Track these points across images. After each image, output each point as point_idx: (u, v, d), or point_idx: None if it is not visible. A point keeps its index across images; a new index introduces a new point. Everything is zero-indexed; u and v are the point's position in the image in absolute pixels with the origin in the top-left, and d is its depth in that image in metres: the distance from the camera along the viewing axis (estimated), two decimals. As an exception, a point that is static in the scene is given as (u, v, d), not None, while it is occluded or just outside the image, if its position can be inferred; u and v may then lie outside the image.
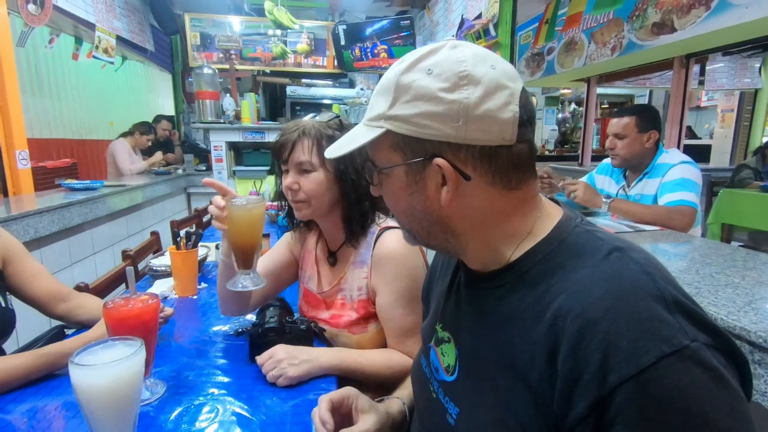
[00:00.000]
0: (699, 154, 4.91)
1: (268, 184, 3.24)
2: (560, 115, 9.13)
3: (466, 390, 0.56)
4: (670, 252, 1.32)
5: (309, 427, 0.75)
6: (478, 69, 0.48)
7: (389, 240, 1.00)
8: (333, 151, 0.58)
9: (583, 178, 2.08)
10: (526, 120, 0.50)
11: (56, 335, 1.12)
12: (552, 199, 0.59)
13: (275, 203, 1.21)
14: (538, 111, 8.71)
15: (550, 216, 0.54)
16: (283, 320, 0.98)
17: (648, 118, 1.76)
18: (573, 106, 9.13)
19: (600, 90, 5.21)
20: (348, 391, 0.74)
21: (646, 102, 6.91)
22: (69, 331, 1.16)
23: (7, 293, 1.09)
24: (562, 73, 4.09)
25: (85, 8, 3.32)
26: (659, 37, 2.94)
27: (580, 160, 4.96)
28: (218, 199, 0.92)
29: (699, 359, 0.39)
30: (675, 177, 1.69)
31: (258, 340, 0.95)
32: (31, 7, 2.62)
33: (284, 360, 0.89)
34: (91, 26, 3.42)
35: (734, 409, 0.38)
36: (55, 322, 1.18)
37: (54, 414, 0.79)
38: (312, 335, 1.00)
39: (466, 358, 0.57)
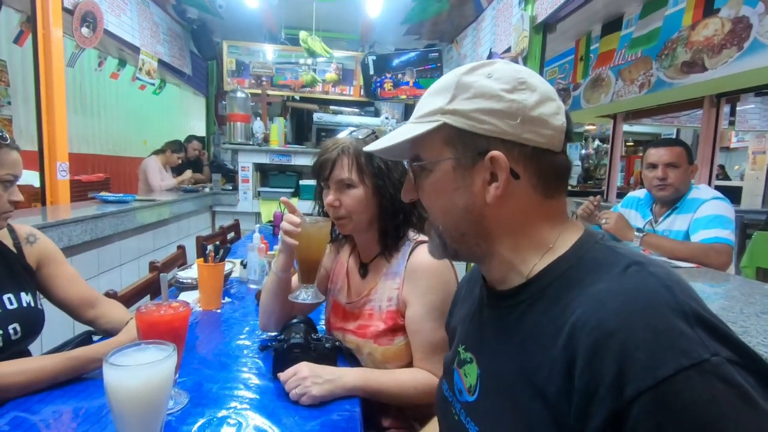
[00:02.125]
0: (730, 195, 4.75)
1: (315, 201, 3.29)
2: (584, 151, 9.09)
3: (486, 409, 0.55)
4: (709, 291, 1.27)
5: (332, 449, 0.73)
6: (533, 80, 0.53)
7: (424, 252, 0.99)
8: (375, 146, 0.60)
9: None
10: (569, 133, 0.53)
11: (84, 340, 1.14)
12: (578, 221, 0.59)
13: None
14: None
15: (572, 232, 0.55)
16: (309, 337, 0.97)
17: (690, 152, 1.75)
18: (597, 142, 9.09)
19: (625, 128, 5.19)
20: None
21: (674, 141, 6.81)
22: (96, 338, 1.17)
23: (39, 294, 1.11)
24: (588, 108, 4.10)
25: (132, 33, 3.53)
26: (689, 75, 2.93)
27: (605, 196, 4.89)
28: (293, 217, 0.99)
29: (722, 375, 0.37)
30: (708, 213, 1.64)
31: (282, 355, 0.94)
32: (84, 30, 2.80)
33: (308, 378, 0.87)
34: (136, 50, 3.62)
35: None
36: (78, 328, 1.19)
37: (79, 417, 0.78)
38: (337, 354, 0.98)
39: (488, 378, 0.56)
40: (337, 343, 0.99)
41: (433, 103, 0.54)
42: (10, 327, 0.98)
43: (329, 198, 1.02)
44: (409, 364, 1.00)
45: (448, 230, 0.57)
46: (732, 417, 0.35)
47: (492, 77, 0.52)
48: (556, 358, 0.45)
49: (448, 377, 0.66)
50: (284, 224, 0.99)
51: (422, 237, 1.04)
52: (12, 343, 0.98)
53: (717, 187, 3.79)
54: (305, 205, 1.23)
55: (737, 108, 4.87)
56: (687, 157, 1.72)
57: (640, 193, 1.99)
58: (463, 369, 0.61)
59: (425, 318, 0.96)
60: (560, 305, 0.48)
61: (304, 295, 1.00)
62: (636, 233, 1.66)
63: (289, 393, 0.86)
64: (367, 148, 0.62)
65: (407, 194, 0.61)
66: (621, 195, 4.50)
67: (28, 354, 1.08)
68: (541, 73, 2.79)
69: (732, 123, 5.17)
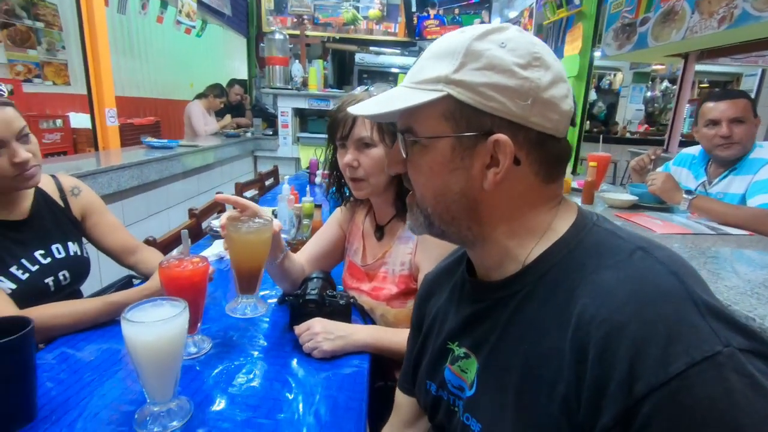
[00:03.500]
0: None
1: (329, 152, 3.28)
2: (649, 94, 8.28)
3: (486, 405, 0.53)
4: (757, 261, 1.16)
5: (337, 402, 0.78)
6: (548, 56, 0.48)
7: None
8: (363, 109, 0.53)
9: (660, 168, 1.88)
10: (573, 117, 0.50)
11: (125, 284, 1.24)
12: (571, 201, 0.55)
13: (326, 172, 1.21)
14: (624, 88, 7.96)
15: (566, 214, 0.52)
16: (324, 293, 1.00)
17: (754, 103, 1.55)
18: (665, 84, 8.22)
19: (700, 67, 4.62)
20: None
21: (757, 84, 6.03)
22: (136, 281, 1.27)
23: (84, 243, 1.21)
24: (656, 47, 3.66)
25: (170, -28, 3.48)
26: (782, 7, 2.51)
27: (665, 146, 4.48)
28: (223, 218, 0.89)
29: (733, 366, 0.36)
30: None
31: (298, 310, 0.98)
32: (122, -29, 2.79)
33: (320, 334, 0.91)
34: (175, -10, 3.59)
35: None
36: (126, 271, 1.30)
37: (116, 355, 0.87)
38: (350, 311, 1.01)
39: (488, 372, 0.53)
40: (351, 300, 1.02)
41: (436, 68, 0.48)
42: (60, 274, 1.08)
43: (347, 158, 0.99)
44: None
45: (437, 212, 0.53)
46: (746, 409, 0.34)
47: (506, 47, 0.47)
48: (563, 350, 0.43)
49: (436, 378, 0.62)
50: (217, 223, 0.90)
51: None
52: (63, 287, 1.09)
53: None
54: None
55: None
56: (752, 110, 1.53)
57: (694, 149, 1.80)
58: (457, 365, 0.58)
59: None
60: (562, 293, 0.46)
61: (244, 310, 0.92)
62: (685, 195, 1.53)
63: (303, 346, 0.91)
64: (353, 109, 0.55)
65: (393, 167, 0.56)
66: (686, 144, 4.10)
67: (80, 294, 1.20)
68: (599, 8, 2.49)
69: (831, 62, 4.46)
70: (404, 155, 0.53)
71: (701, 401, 0.35)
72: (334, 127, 1.02)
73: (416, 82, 0.50)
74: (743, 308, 0.83)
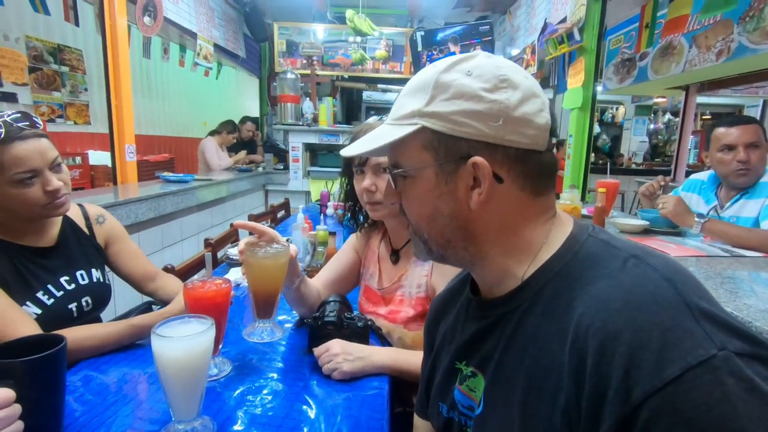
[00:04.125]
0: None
1: (340, 185, 3.35)
2: (652, 126, 8.40)
3: (495, 421, 0.53)
4: (775, 282, 1.16)
5: (359, 422, 0.77)
6: (516, 75, 0.50)
7: None
8: (354, 149, 0.57)
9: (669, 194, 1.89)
10: (553, 130, 0.51)
11: (145, 310, 1.26)
12: (584, 217, 0.56)
13: (342, 203, 1.25)
14: (626, 121, 8.09)
15: (562, 227, 0.53)
16: (342, 315, 1.01)
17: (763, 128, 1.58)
18: (668, 116, 8.35)
19: (701, 99, 4.71)
20: None
21: (759, 115, 6.12)
22: (155, 307, 1.29)
23: (107, 270, 1.24)
24: (656, 80, 3.77)
25: (189, 19, 3.69)
26: (778, 40, 2.60)
27: (672, 176, 4.52)
28: (241, 243, 0.91)
29: (730, 370, 0.35)
30: None
31: (316, 331, 0.99)
32: (146, 19, 2.97)
33: (340, 355, 0.91)
34: (194, 35, 3.79)
35: None
36: (145, 298, 1.32)
37: (139, 378, 0.88)
38: (368, 333, 1.02)
39: (493, 388, 0.54)
40: (369, 322, 1.03)
41: (411, 104, 0.52)
42: (83, 300, 1.11)
43: (366, 182, 1.02)
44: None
45: (433, 237, 0.55)
46: (744, 413, 0.34)
47: (472, 75, 0.49)
48: (563, 362, 0.43)
49: (447, 399, 0.62)
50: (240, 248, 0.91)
51: None
52: (85, 313, 1.11)
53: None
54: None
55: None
56: (765, 134, 1.56)
57: (703, 175, 1.82)
58: (465, 385, 0.59)
59: None
60: (560, 306, 0.46)
61: (260, 335, 0.94)
62: (697, 219, 1.54)
63: (322, 367, 0.91)
64: (344, 152, 0.60)
65: (389, 198, 0.59)
66: (692, 174, 4.13)
67: (99, 321, 1.21)
68: (599, 43, 2.60)
69: (831, 92, 4.54)
70: (394, 188, 0.57)
71: (698, 406, 0.35)
72: (351, 156, 1.05)
73: (395, 118, 0.54)
74: (764, 324, 0.83)
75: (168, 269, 1.39)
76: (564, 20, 2.84)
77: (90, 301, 1.13)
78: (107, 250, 1.24)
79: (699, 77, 3.93)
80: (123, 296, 1.46)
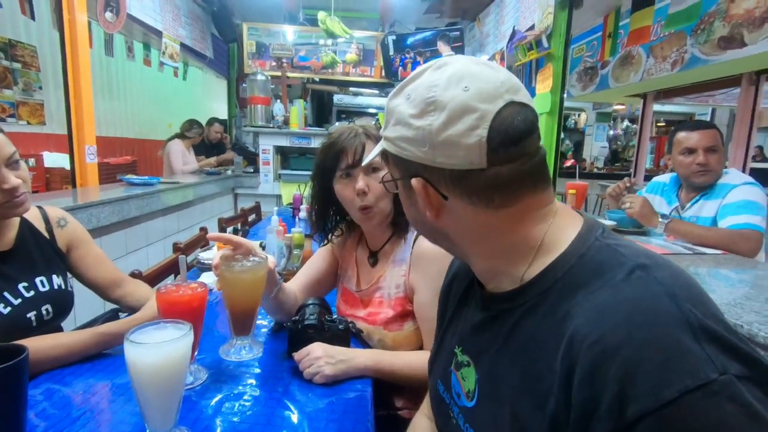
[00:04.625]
0: None
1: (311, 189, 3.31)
2: (612, 132, 8.79)
3: (485, 416, 0.53)
4: (734, 278, 1.23)
5: (343, 426, 0.75)
6: (447, 93, 0.48)
7: None
8: (368, 158, 0.67)
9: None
10: (500, 144, 0.47)
11: (111, 317, 1.19)
12: (578, 212, 0.56)
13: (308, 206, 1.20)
14: (588, 127, 8.43)
15: (566, 227, 0.51)
16: (323, 318, 0.99)
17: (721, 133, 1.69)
18: (626, 123, 8.77)
19: (656, 107, 4.97)
20: None
21: (709, 120, 6.52)
22: (122, 315, 1.22)
23: (69, 276, 1.17)
24: (617, 87, 3.95)
25: (154, 17, 3.57)
26: (726, 52, 2.78)
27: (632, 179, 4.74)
28: (216, 257, 0.88)
29: (730, 394, 0.35)
30: (738, 199, 1.57)
31: (297, 335, 0.96)
32: (108, 14, 2.85)
33: (322, 358, 0.89)
34: (159, 33, 3.66)
35: None
36: (109, 306, 1.25)
37: (106, 390, 0.83)
38: (350, 336, 1.00)
39: (486, 383, 0.54)
40: (350, 324, 1.01)
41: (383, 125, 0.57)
42: (43, 308, 1.03)
43: (360, 184, 0.97)
44: (420, 348, 1.02)
45: (423, 234, 0.62)
46: None
47: (409, 99, 0.51)
48: (555, 368, 0.43)
49: (444, 378, 0.64)
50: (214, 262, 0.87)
51: None
52: (45, 323, 1.03)
53: (754, 170, 3.63)
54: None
55: (779, 86, 4.59)
56: (722, 139, 1.67)
57: (665, 177, 1.92)
58: (460, 372, 0.60)
59: (433, 303, 0.95)
60: (561, 311, 0.46)
61: (238, 353, 0.91)
62: (660, 219, 1.61)
63: (303, 372, 0.89)
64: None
65: (381, 199, 0.68)
66: (650, 178, 4.35)
67: (60, 331, 1.14)
68: (566, 51, 2.69)
69: (772, 102, 4.88)
70: (394, 189, 0.61)
71: (694, 431, 0.34)
72: (335, 158, 1.00)
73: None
74: (730, 317, 0.87)
75: (135, 275, 1.32)
76: (532, 28, 2.92)
77: (51, 309, 1.06)
78: (69, 255, 1.16)
79: (656, 86, 4.15)
80: (84, 304, 1.38)
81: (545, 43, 2.67)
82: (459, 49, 4.54)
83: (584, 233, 0.50)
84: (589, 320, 0.42)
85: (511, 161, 0.48)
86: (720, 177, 1.68)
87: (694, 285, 0.43)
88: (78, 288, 1.20)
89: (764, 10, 2.51)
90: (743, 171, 3.39)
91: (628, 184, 1.82)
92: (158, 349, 0.61)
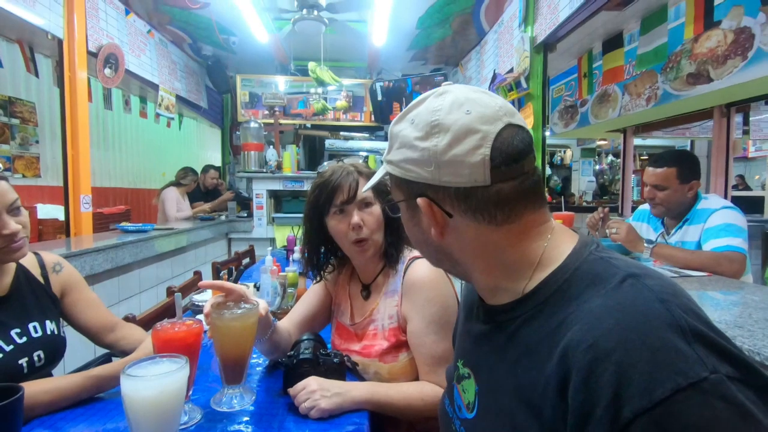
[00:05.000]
0: (751, 205, 4.68)
1: (303, 226, 3.33)
2: (597, 167, 9.03)
3: (485, 427, 0.54)
4: (720, 299, 1.25)
5: (340, 460, 0.74)
6: (450, 117, 0.52)
7: (419, 267, 1.02)
8: (367, 185, 0.69)
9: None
10: (502, 162, 0.50)
11: (103, 362, 1.17)
12: (573, 230, 0.60)
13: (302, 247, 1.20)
14: (573, 163, 8.67)
15: (562, 243, 0.54)
16: (318, 352, 0.99)
17: (689, 169, 1.72)
18: (610, 157, 9.03)
19: (638, 141, 5.16)
20: None
21: (688, 153, 6.74)
22: (115, 359, 1.21)
23: (62, 322, 1.16)
24: (597, 124, 4.12)
25: (152, 72, 3.72)
26: (695, 87, 2.94)
27: (620, 211, 4.84)
28: (207, 305, 0.87)
29: (721, 393, 0.36)
30: (718, 222, 1.63)
31: (292, 371, 0.96)
32: (107, 71, 2.97)
33: (317, 392, 0.89)
34: (155, 87, 3.81)
35: None
36: (99, 351, 1.23)
37: (98, 433, 0.81)
38: (345, 369, 1.00)
39: (485, 394, 0.56)
40: (345, 358, 1.01)
41: (386, 150, 0.61)
42: (35, 354, 1.03)
43: (355, 219, 1.01)
44: (416, 379, 1.01)
45: (426, 256, 0.64)
46: None
47: (413, 123, 0.54)
48: (549, 376, 0.44)
49: (449, 393, 0.66)
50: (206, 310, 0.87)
51: (416, 253, 1.06)
52: (36, 369, 1.02)
53: (737, 198, 3.74)
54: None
55: (750, 118, 4.82)
56: (678, 176, 1.71)
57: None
58: (461, 385, 0.61)
59: (426, 331, 0.97)
60: (555, 321, 0.47)
61: (230, 402, 0.89)
62: (646, 245, 1.66)
63: (299, 407, 0.88)
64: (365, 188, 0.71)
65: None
66: (636, 209, 4.46)
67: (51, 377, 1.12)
68: (545, 91, 2.84)
69: (746, 132, 5.10)
70: (390, 214, 0.66)
71: (687, 427, 0.35)
72: (330, 195, 1.03)
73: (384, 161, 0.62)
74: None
75: (129, 319, 1.32)
76: (511, 71, 3.09)
77: (42, 355, 1.05)
78: (63, 300, 1.17)
79: (633, 121, 4.33)
80: (74, 351, 1.36)
81: (524, 84, 2.82)
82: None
83: (579, 248, 0.53)
84: (583, 327, 0.43)
85: (512, 179, 0.51)
86: (676, 210, 1.76)
87: (683, 293, 0.45)
88: (69, 334, 1.19)
89: (725, 49, 2.69)
90: (725, 198, 3.50)
91: (601, 215, 1.89)
92: (155, 382, 0.62)
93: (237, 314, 0.86)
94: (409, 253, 1.07)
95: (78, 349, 1.35)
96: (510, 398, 0.50)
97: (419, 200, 0.54)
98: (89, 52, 2.77)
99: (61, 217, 2.72)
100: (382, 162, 0.63)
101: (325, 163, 1.14)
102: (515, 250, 0.53)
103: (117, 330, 1.21)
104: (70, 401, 0.89)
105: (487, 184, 0.50)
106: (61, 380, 0.92)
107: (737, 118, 3.73)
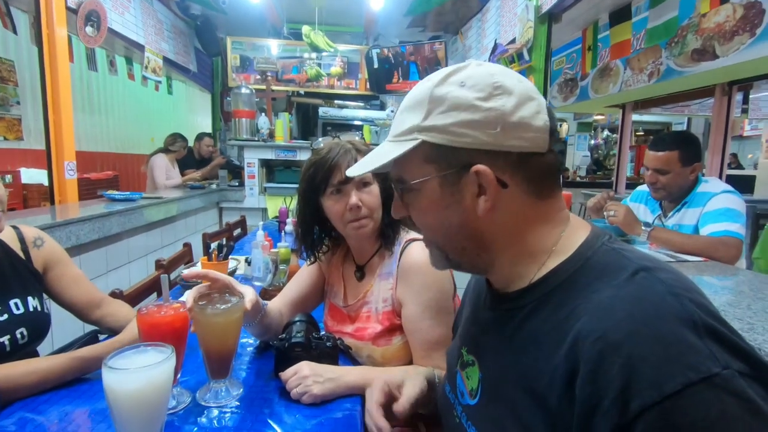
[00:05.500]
0: (743, 184, 4.69)
1: (297, 204, 3.28)
2: (593, 142, 8.99)
3: (487, 414, 0.54)
4: (717, 285, 1.25)
5: (332, 448, 0.73)
6: (508, 81, 0.50)
7: (415, 251, 0.99)
8: (358, 169, 0.59)
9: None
10: (552, 130, 0.51)
11: (90, 340, 1.15)
12: (586, 220, 0.58)
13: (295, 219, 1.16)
14: (570, 137, 8.60)
15: (576, 232, 0.53)
16: (310, 336, 0.97)
17: (692, 152, 1.68)
18: (606, 132, 8.97)
19: (635, 117, 5.10)
20: (383, 386, 0.76)
21: (684, 129, 6.71)
22: (102, 336, 1.18)
23: (45, 297, 1.13)
24: (596, 98, 4.04)
25: (137, 31, 3.54)
26: (700, 63, 2.87)
27: (614, 188, 4.83)
28: (189, 299, 0.81)
29: (732, 389, 0.35)
30: (718, 207, 1.61)
31: (284, 354, 0.94)
32: (89, 29, 2.81)
33: (309, 377, 0.87)
34: (141, 48, 3.63)
35: None
36: (88, 327, 1.21)
37: (83, 418, 0.79)
38: (338, 353, 0.98)
39: (489, 381, 0.55)
40: (338, 341, 0.99)
41: (409, 120, 0.53)
42: (17, 332, 0.99)
43: (353, 199, 0.97)
44: (409, 363, 1.00)
45: (448, 247, 0.57)
46: None
47: (465, 85, 0.50)
48: (557, 366, 0.44)
49: (451, 379, 0.66)
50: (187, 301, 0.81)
51: (413, 235, 1.03)
52: (19, 347, 1.00)
53: (729, 177, 3.74)
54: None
55: (750, 96, 4.77)
56: (680, 159, 1.66)
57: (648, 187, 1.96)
58: (465, 371, 0.61)
59: (421, 316, 0.95)
60: (565, 311, 0.46)
61: (216, 397, 0.84)
62: (643, 228, 1.64)
63: (290, 392, 0.87)
64: (351, 171, 0.60)
65: (397, 212, 0.59)
66: (630, 186, 4.45)
67: (36, 355, 1.09)
68: (547, 63, 2.75)
69: (745, 111, 5.07)
70: (401, 202, 0.58)
71: (697, 422, 0.35)
72: (326, 174, 0.99)
73: (395, 135, 0.55)
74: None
75: (115, 294, 1.29)
76: (513, 41, 2.98)
77: (26, 332, 1.02)
78: (46, 276, 1.13)
79: (634, 96, 4.26)
80: (61, 327, 1.33)
81: (526, 56, 2.73)
82: (441, 63, 4.60)
83: (591, 239, 0.52)
84: (593, 318, 0.42)
85: (552, 151, 0.52)
86: (677, 194, 1.73)
87: (696, 288, 0.44)
88: (55, 310, 1.16)
89: (734, 24, 2.61)
90: (720, 178, 3.49)
91: (607, 198, 1.85)
92: (139, 375, 0.59)
93: (220, 310, 0.82)
94: (406, 234, 1.04)
95: (67, 324, 1.32)
96: (514, 386, 0.50)
97: (479, 167, 0.49)
98: (68, 8, 2.61)
99: (47, 183, 2.63)
100: (375, 136, 0.57)
101: (320, 139, 1.09)
102: (544, 231, 0.53)
103: (103, 306, 1.18)
104: (53, 383, 0.87)
105: (543, 151, 0.50)
106: (44, 362, 0.89)
107: (737, 97, 3.68)
